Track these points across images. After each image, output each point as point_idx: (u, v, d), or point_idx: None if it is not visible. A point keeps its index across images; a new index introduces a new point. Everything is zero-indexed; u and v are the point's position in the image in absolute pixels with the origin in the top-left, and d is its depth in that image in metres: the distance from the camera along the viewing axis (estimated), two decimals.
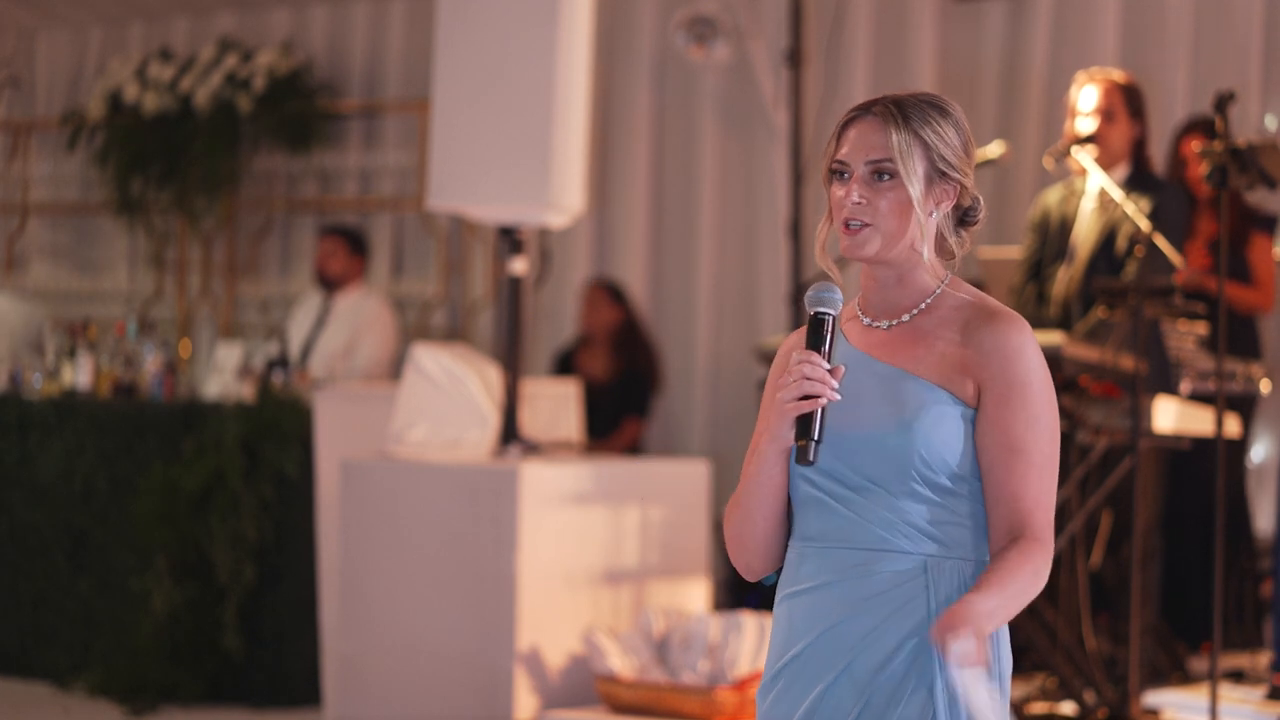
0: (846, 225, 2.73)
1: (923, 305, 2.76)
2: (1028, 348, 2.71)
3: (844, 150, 2.75)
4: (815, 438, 2.66)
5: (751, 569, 2.83)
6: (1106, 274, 6.05)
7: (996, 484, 2.68)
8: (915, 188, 2.71)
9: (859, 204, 2.72)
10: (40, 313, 9.55)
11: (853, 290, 2.88)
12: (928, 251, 2.74)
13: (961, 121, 2.77)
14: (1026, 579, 2.64)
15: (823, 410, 2.66)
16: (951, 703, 2.63)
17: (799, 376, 2.66)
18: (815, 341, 2.70)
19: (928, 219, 2.74)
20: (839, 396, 2.66)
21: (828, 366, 2.68)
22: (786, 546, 2.79)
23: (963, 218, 2.80)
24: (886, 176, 2.72)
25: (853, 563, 2.68)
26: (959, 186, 2.76)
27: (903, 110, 2.73)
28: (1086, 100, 6.23)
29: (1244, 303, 6.84)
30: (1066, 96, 6.36)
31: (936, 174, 2.73)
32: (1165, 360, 6.19)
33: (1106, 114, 6.21)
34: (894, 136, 2.71)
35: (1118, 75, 6.35)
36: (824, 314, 2.71)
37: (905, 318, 2.77)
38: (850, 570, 2.68)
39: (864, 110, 2.77)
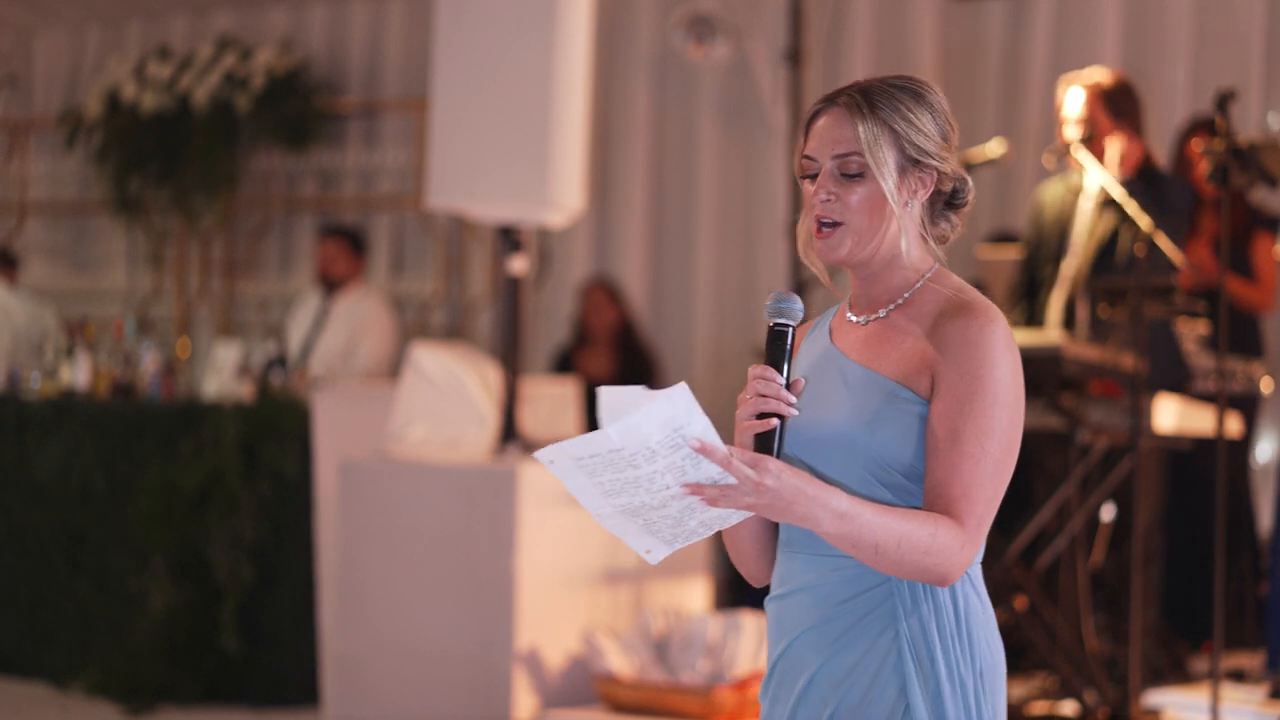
0: (820, 227, 2.62)
1: (900, 300, 2.65)
2: (992, 342, 2.55)
3: (811, 144, 2.64)
4: (774, 455, 2.54)
5: (754, 577, 2.78)
6: (1106, 273, 6.03)
7: (929, 472, 2.54)
8: (887, 181, 2.58)
9: (827, 201, 2.61)
10: (47, 314, 9.53)
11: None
12: (906, 244, 2.62)
13: (939, 105, 2.63)
14: (913, 536, 2.49)
15: (781, 426, 2.55)
16: (925, 696, 2.57)
17: (753, 394, 2.56)
18: (775, 354, 2.57)
19: (903, 210, 2.61)
20: (796, 412, 2.55)
21: (783, 381, 2.56)
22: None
23: (949, 201, 2.67)
24: (855, 170, 2.60)
25: (821, 568, 2.62)
26: (936, 173, 2.63)
27: (869, 99, 2.60)
28: (1071, 107, 6.21)
29: (1245, 300, 6.83)
30: (1055, 100, 6.35)
31: (909, 163, 2.60)
32: (1178, 357, 6.16)
33: (1089, 124, 6.18)
34: (860, 128, 2.58)
35: (1103, 78, 6.28)
36: (783, 325, 2.57)
37: (882, 313, 2.65)
38: (819, 575, 2.62)
39: (830, 101, 2.64)
